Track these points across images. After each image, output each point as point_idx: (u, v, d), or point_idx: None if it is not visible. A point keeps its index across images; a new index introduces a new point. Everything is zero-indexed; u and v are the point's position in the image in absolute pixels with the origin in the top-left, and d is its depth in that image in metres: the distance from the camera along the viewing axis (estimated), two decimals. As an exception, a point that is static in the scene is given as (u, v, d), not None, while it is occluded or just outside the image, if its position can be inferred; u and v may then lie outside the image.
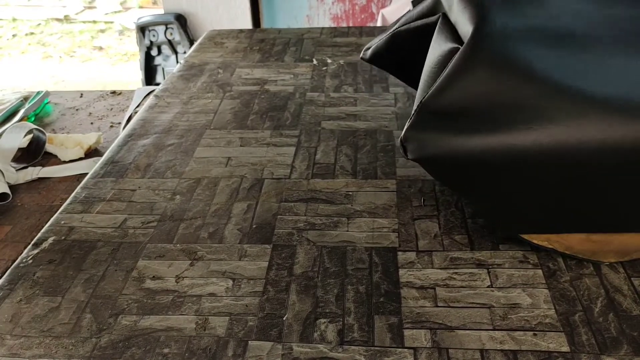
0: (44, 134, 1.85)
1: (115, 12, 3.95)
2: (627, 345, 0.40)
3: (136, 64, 2.60)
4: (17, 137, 1.78)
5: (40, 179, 1.73)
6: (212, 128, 0.73)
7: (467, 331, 0.42)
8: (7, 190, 1.62)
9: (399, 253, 0.50)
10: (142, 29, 2.44)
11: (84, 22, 3.90)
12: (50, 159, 1.83)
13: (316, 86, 0.83)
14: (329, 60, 0.92)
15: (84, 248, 0.53)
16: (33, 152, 1.81)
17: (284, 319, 0.44)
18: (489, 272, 0.48)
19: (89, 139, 1.88)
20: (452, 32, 0.47)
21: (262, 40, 1.04)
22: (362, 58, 0.66)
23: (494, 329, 0.42)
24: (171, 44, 2.42)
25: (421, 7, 0.57)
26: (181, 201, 0.59)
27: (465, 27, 0.44)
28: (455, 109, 0.43)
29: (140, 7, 3.92)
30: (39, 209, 1.60)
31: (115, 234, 0.55)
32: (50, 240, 0.54)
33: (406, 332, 0.42)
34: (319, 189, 0.59)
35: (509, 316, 0.43)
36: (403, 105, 0.76)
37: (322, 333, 0.43)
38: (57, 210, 0.59)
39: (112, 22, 3.83)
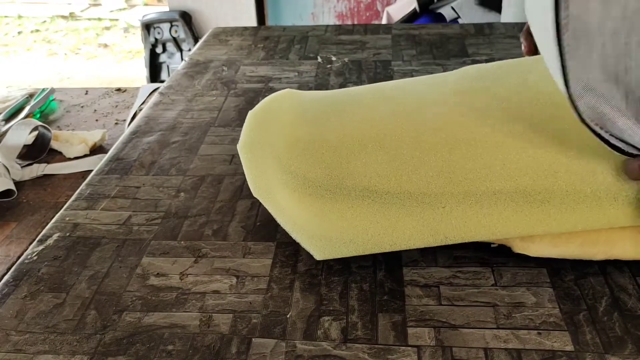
0: (49, 130, 1.85)
1: (120, 9, 3.96)
2: (632, 344, 0.40)
3: (141, 61, 2.61)
4: (22, 134, 1.78)
5: (46, 176, 1.73)
6: (216, 125, 0.73)
7: (471, 330, 0.42)
8: (13, 187, 1.62)
9: (403, 251, 0.50)
10: (147, 27, 2.45)
11: (89, 19, 3.91)
12: (56, 155, 1.83)
13: (320, 84, 0.83)
14: (334, 58, 0.91)
15: (88, 245, 0.53)
16: (38, 149, 1.82)
17: (288, 316, 0.44)
18: (493, 271, 0.47)
19: (94, 136, 1.88)
20: None
21: (267, 38, 1.04)
22: None
23: (498, 328, 0.42)
24: (176, 42, 2.42)
25: None
26: (185, 198, 0.59)
27: None
28: None
29: (145, 4, 3.92)
30: (44, 205, 1.60)
31: (119, 230, 0.55)
32: (54, 236, 0.54)
33: (410, 330, 0.42)
34: (323, 186, 0.59)
35: (513, 315, 0.43)
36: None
37: (325, 331, 0.43)
38: (63, 207, 0.60)
39: (117, 20, 3.84)
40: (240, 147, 0.53)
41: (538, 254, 0.46)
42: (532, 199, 0.44)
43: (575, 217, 0.44)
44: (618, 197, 0.43)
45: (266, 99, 0.58)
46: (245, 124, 0.55)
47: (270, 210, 0.50)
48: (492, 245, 0.48)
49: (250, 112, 0.56)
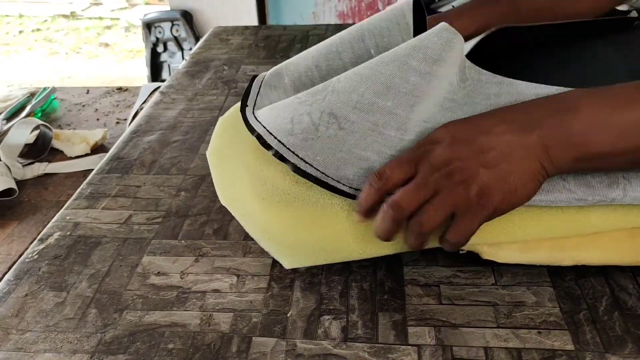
0: (50, 129, 1.85)
1: (121, 8, 3.96)
2: (632, 343, 0.40)
3: (142, 60, 2.61)
4: (23, 132, 1.78)
5: (47, 175, 1.73)
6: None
7: (472, 329, 0.42)
8: (14, 186, 1.62)
9: (404, 250, 0.50)
10: (148, 26, 2.45)
11: (90, 18, 3.91)
12: (57, 154, 1.83)
13: (321, 83, 0.83)
14: (335, 57, 0.91)
15: (89, 244, 0.53)
16: (39, 148, 1.82)
17: (288, 315, 0.44)
18: (493, 270, 0.47)
19: (95, 135, 1.88)
20: None
21: (268, 37, 1.04)
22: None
23: (498, 327, 0.42)
24: (177, 41, 2.42)
25: None
26: (186, 197, 0.59)
27: None
28: None
29: (147, 3, 3.92)
30: (45, 204, 1.60)
31: (120, 229, 0.55)
32: (55, 235, 0.54)
33: (410, 330, 0.42)
34: (324, 185, 0.59)
35: (514, 314, 0.43)
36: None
37: (326, 330, 0.43)
38: (64, 205, 0.60)
39: (118, 19, 3.84)
40: (209, 153, 0.53)
41: (506, 260, 0.46)
42: None
43: (541, 225, 0.44)
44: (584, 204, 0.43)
45: (236, 105, 0.58)
46: (214, 130, 0.55)
47: (237, 219, 0.50)
48: (461, 252, 0.47)
49: (220, 118, 0.56)
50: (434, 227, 0.40)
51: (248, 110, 0.49)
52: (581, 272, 0.47)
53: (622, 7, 0.64)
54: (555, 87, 0.43)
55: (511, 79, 0.44)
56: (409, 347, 0.41)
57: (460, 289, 0.46)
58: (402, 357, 0.40)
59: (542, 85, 0.44)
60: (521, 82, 0.44)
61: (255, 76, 0.56)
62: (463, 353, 0.40)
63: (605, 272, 0.47)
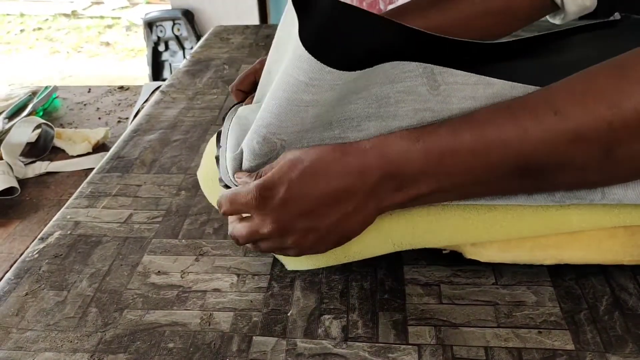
0: (52, 128, 1.86)
1: (123, 7, 3.96)
2: (633, 343, 0.40)
3: (143, 59, 2.61)
4: (25, 131, 1.79)
5: (49, 174, 1.73)
6: (217, 124, 0.73)
7: (472, 328, 0.42)
8: (16, 185, 1.63)
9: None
10: (150, 25, 2.45)
11: (91, 17, 3.91)
12: (58, 153, 1.83)
13: (322, 82, 0.83)
14: (336, 56, 0.91)
15: (89, 243, 0.53)
16: (41, 147, 1.82)
17: (289, 314, 0.44)
18: (493, 270, 0.47)
19: (97, 133, 1.89)
20: None
21: (268, 37, 1.04)
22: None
23: (498, 327, 0.42)
24: (178, 40, 2.42)
25: None
26: (186, 197, 0.59)
27: None
28: None
29: (148, 2, 3.92)
30: (47, 203, 1.61)
31: (120, 229, 0.55)
32: (56, 234, 0.55)
33: (410, 329, 0.42)
34: (324, 185, 0.59)
35: (514, 314, 0.43)
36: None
37: (326, 329, 0.43)
38: (65, 204, 0.60)
39: (119, 18, 3.84)
40: (199, 175, 0.56)
41: (489, 259, 0.46)
42: (478, 206, 0.44)
43: (522, 224, 0.44)
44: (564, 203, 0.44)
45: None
46: (204, 154, 0.57)
47: None
48: (444, 252, 0.48)
49: (209, 141, 0.58)
50: (268, 252, 0.45)
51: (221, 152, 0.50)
52: (581, 271, 0.47)
53: (556, 22, 0.64)
54: (532, 87, 0.42)
55: (488, 78, 0.42)
56: (409, 346, 0.41)
57: (461, 289, 0.46)
58: (402, 356, 0.40)
59: (520, 85, 0.42)
60: (499, 81, 0.42)
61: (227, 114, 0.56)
62: (463, 353, 0.40)
63: (606, 271, 0.47)
